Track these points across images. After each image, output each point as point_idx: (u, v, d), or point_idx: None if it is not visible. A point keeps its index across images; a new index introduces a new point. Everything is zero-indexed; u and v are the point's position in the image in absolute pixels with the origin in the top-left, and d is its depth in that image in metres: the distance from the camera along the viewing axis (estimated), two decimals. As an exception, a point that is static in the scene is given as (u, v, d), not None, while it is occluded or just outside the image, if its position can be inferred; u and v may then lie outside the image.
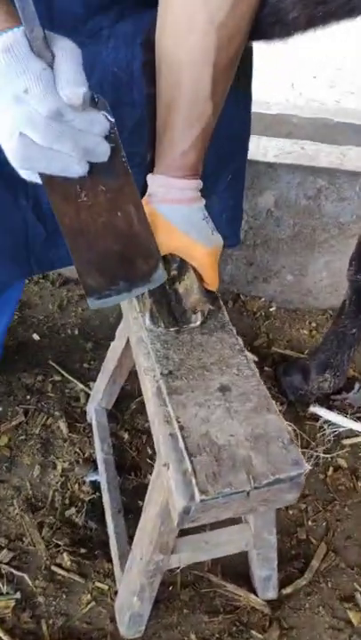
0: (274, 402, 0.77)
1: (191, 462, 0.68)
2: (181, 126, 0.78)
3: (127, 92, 0.85)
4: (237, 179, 1.11)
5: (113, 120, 0.65)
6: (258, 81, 1.03)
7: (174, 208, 0.81)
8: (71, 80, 0.57)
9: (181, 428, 0.72)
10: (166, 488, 0.71)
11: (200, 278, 0.86)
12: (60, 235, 0.71)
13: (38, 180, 0.65)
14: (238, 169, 1.11)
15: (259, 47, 0.95)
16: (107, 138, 0.65)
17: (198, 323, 0.87)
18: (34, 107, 0.57)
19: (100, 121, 0.63)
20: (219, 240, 0.85)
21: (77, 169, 0.64)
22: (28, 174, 0.65)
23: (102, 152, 0.65)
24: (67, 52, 0.58)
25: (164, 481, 0.72)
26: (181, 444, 0.70)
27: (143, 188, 0.84)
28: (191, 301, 0.87)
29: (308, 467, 0.70)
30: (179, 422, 0.72)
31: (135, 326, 0.89)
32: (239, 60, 0.80)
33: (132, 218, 0.73)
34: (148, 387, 0.80)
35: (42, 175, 0.65)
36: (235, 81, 0.82)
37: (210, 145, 0.82)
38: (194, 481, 0.66)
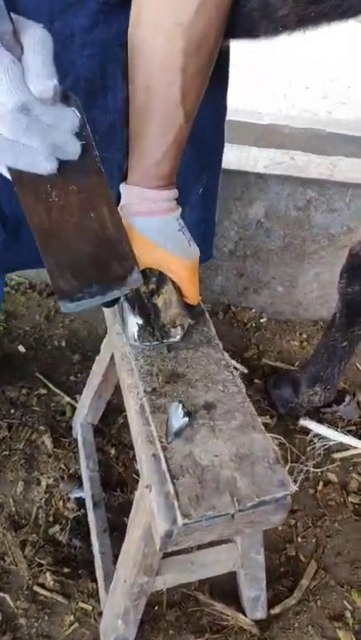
0: (260, 419, 0.75)
1: (174, 484, 0.66)
2: (154, 134, 0.76)
3: (101, 96, 0.82)
4: (211, 191, 1.08)
5: (82, 116, 0.63)
6: (250, 92, 1.01)
7: (148, 220, 0.79)
8: (40, 73, 0.57)
9: (164, 449, 0.70)
10: (149, 511, 0.69)
11: (180, 292, 0.84)
12: (21, 236, 0.68)
13: (7, 174, 0.63)
14: (212, 181, 1.08)
15: (253, 57, 0.94)
16: (77, 135, 0.63)
17: (178, 337, 0.85)
18: (1, 100, 0.56)
19: (69, 117, 0.61)
20: (196, 252, 0.82)
21: (45, 165, 0.62)
22: None
23: (72, 149, 0.63)
24: (37, 43, 0.57)
25: (147, 503, 0.70)
26: (164, 466, 0.68)
27: (118, 197, 0.82)
28: (170, 315, 0.84)
29: (294, 487, 0.68)
30: (162, 442, 0.71)
31: (119, 342, 0.87)
32: (212, 68, 0.78)
33: (105, 219, 0.70)
34: (132, 404, 0.78)
35: (11, 171, 0.63)
36: (210, 87, 0.79)
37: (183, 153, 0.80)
38: (176, 504, 0.64)
